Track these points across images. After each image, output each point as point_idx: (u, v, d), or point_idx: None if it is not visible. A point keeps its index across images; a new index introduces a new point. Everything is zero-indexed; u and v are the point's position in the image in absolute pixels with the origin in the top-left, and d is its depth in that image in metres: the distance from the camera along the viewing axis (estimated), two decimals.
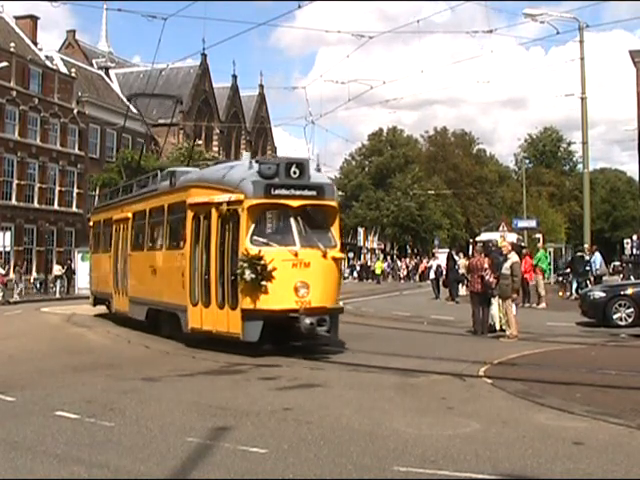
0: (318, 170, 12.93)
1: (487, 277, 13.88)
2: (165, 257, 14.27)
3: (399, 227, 72.64)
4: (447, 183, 75.86)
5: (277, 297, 11.16)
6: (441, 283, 27.54)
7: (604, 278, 23.42)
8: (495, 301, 14.13)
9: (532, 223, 44.35)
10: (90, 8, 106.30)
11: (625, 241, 48.33)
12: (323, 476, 5.16)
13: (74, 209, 42.65)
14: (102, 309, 19.81)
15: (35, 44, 43.47)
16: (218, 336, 11.88)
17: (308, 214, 11.98)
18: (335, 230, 12.27)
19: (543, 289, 22.42)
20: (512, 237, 32.77)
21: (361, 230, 69.93)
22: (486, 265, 14.10)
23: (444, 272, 27.35)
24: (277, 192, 11.50)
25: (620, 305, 15.54)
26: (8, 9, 43.40)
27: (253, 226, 11.53)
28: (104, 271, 19.11)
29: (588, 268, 22.97)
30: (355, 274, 57.23)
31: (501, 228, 38.22)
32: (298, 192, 11.61)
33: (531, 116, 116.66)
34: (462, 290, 25.27)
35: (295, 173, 11.61)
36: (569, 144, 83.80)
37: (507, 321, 13.60)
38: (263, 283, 11.09)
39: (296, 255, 11.27)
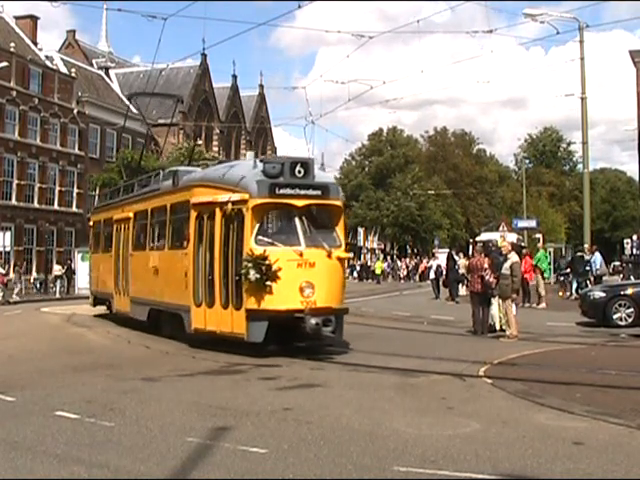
0: (322, 169, 12.91)
1: (487, 277, 13.88)
2: (168, 257, 14.17)
3: (399, 227, 72.66)
4: (447, 183, 75.88)
5: (282, 297, 11.10)
6: (441, 283, 27.54)
7: (604, 278, 23.41)
8: (495, 301, 14.13)
9: (532, 223, 44.34)
10: (90, 8, 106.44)
11: (625, 241, 48.36)
12: (323, 476, 5.16)
13: (74, 209, 42.66)
14: (102, 309, 19.80)
15: (35, 44, 43.47)
16: (222, 337, 11.82)
17: (313, 214, 11.93)
18: (340, 230, 12.21)
19: (543, 289, 22.42)
20: (512, 237, 32.78)
21: (361, 230, 69.94)
22: (486, 265, 14.09)
23: (444, 272, 27.35)
24: (282, 192, 11.44)
25: (620, 305, 15.54)
26: (8, 9, 43.51)
27: (258, 226, 11.48)
28: (104, 271, 19.07)
29: (588, 268, 22.97)
30: (355, 274, 57.21)
31: (501, 228, 38.23)
32: (303, 192, 11.55)
33: (531, 116, 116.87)
34: (462, 290, 25.27)
35: (300, 172, 11.55)
36: (569, 144, 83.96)
37: (507, 321, 13.60)
38: (268, 283, 11.03)
39: (301, 255, 11.22)
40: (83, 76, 46.60)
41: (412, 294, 33.71)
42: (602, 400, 7.57)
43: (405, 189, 71.94)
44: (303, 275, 11.19)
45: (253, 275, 10.97)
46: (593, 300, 16.01)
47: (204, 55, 53.21)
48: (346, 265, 13.43)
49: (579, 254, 25.75)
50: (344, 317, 12.03)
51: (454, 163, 79.32)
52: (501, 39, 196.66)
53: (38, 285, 36.53)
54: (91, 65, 52.42)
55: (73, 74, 43.54)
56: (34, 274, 38.44)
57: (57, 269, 34.87)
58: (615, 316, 15.44)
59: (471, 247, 31.22)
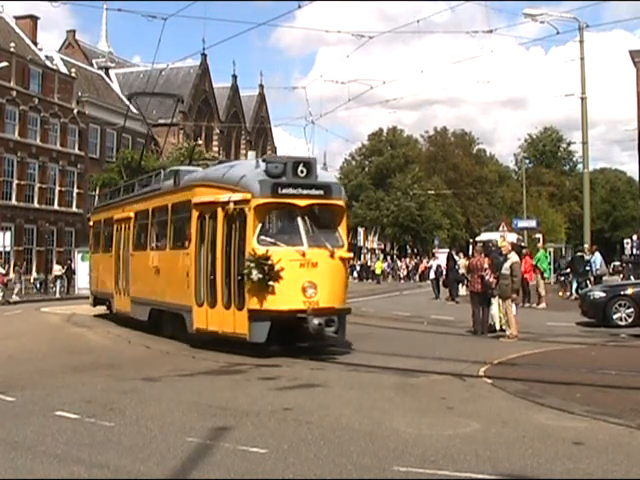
0: (325, 169, 12.89)
1: (487, 277, 13.88)
2: (169, 257, 14.13)
3: (399, 227, 72.69)
4: (447, 183, 75.89)
5: (285, 297, 11.06)
6: (441, 283, 27.54)
7: (604, 278, 23.41)
8: (495, 301, 14.13)
9: (532, 223, 44.35)
10: (90, 8, 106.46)
11: (625, 241, 48.36)
12: (323, 476, 5.16)
13: (74, 209, 42.66)
14: (102, 309, 19.80)
15: (35, 44, 43.47)
16: (224, 337, 11.79)
17: (315, 213, 11.89)
18: (342, 230, 12.17)
19: (543, 289, 22.42)
20: (512, 237, 32.78)
21: (361, 230, 69.93)
22: (486, 265, 14.09)
23: (444, 272, 27.35)
24: (284, 191, 11.39)
25: (620, 305, 15.54)
26: (8, 9, 43.51)
27: (260, 226, 11.43)
28: (105, 271, 19.04)
29: (588, 268, 22.97)
30: (355, 274, 57.22)
31: (501, 228, 38.24)
32: (305, 191, 11.51)
33: (531, 116, 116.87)
34: (462, 290, 25.27)
35: (302, 172, 11.51)
36: (569, 144, 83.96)
37: (507, 321, 13.60)
38: (270, 283, 10.99)
39: (304, 255, 11.18)
40: (83, 76, 46.61)
41: (412, 294, 33.71)
42: (602, 400, 7.57)
43: (405, 189, 71.96)
44: (306, 275, 11.15)
45: (256, 275, 10.93)
46: (593, 300, 16.01)
47: (204, 55, 53.30)
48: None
49: (579, 254, 25.75)
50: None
51: (454, 163, 79.34)
52: (501, 39, 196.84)
53: (38, 285, 36.54)
54: (91, 65, 52.42)
55: (73, 74, 43.54)
56: (34, 274, 38.45)
57: (57, 269, 34.88)
58: (615, 316, 15.44)
59: (471, 247, 31.22)
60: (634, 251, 40.98)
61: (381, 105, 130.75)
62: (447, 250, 37.14)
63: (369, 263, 62.06)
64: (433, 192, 70.68)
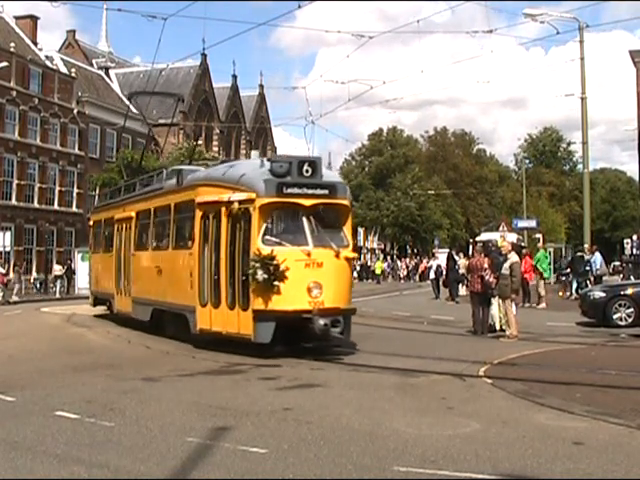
0: (329, 169, 12.79)
1: (487, 277, 13.88)
2: (172, 257, 14.03)
3: (399, 227, 72.68)
4: (447, 183, 75.90)
5: (290, 298, 10.99)
6: (441, 283, 27.54)
7: (604, 278, 23.42)
8: (495, 301, 14.13)
9: (532, 223, 44.35)
10: (90, 8, 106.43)
11: (625, 241, 48.33)
12: (323, 476, 5.16)
13: (74, 209, 42.66)
14: (102, 309, 19.80)
15: (35, 44, 43.47)
16: (228, 337, 11.71)
17: (320, 213, 11.77)
18: (347, 229, 12.12)
19: (543, 289, 22.43)
20: (512, 237, 32.78)
21: (361, 230, 69.91)
22: (486, 265, 14.09)
23: (444, 272, 27.36)
24: (289, 191, 11.32)
25: (620, 305, 15.54)
26: (8, 9, 43.50)
27: (265, 225, 11.36)
28: (105, 271, 18.98)
29: (588, 268, 22.98)
30: (355, 274, 57.22)
31: (501, 228, 38.24)
32: (310, 191, 11.43)
33: (531, 116, 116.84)
34: (462, 290, 25.27)
35: (307, 172, 11.43)
36: (569, 144, 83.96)
37: (507, 321, 13.60)
38: (276, 283, 10.91)
39: (309, 255, 11.11)
40: (83, 76, 46.61)
41: (412, 294, 33.72)
42: (602, 400, 7.57)
43: (405, 189, 71.96)
44: (311, 275, 11.08)
45: (261, 275, 10.86)
46: (593, 300, 16.01)
47: (204, 55, 53.24)
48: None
49: (579, 254, 25.75)
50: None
51: (454, 163, 79.34)
52: (501, 39, 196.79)
53: (38, 285, 36.53)
54: (91, 65, 52.42)
55: (73, 74, 43.55)
56: (34, 274, 38.45)
57: (57, 269, 34.85)
58: (615, 316, 15.45)
59: (471, 247, 31.21)
60: (634, 251, 40.97)
61: (381, 105, 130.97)
62: (447, 250, 37.15)
63: (369, 263, 62.05)
64: (433, 192, 70.67)
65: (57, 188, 41.36)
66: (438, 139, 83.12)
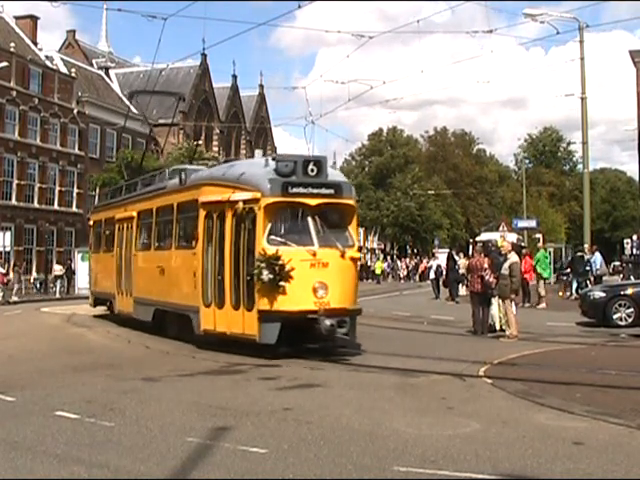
0: (333, 168, 12.67)
1: (487, 277, 13.88)
2: (175, 257, 13.93)
3: (399, 227, 72.69)
4: (447, 183, 75.90)
5: (295, 298, 10.91)
6: (441, 283, 27.54)
7: (604, 278, 23.42)
8: (495, 301, 14.13)
9: (532, 223, 44.34)
10: (90, 8, 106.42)
11: (625, 241, 48.31)
12: (323, 476, 5.16)
13: (74, 209, 42.66)
14: (102, 309, 19.79)
15: (35, 44, 43.48)
16: (232, 338, 11.63)
17: (326, 213, 11.67)
18: (353, 229, 12.05)
19: (543, 289, 22.43)
20: (512, 237, 32.77)
21: (361, 230, 69.85)
22: (486, 265, 14.10)
23: (444, 272, 27.36)
24: (295, 190, 11.24)
25: (620, 305, 15.54)
26: (8, 9, 43.51)
27: (270, 225, 11.27)
28: (106, 271, 18.89)
29: (588, 268, 22.98)
30: None
31: (501, 228, 38.24)
32: (316, 190, 11.35)
33: (531, 116, 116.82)
34: (462, 290, 25.27)
35: (313, 171, 11.35)
36: (569, 144, 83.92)
37: (507, 321, 13.60)
38: (281, 284, 10.82)
39: (314, 255, 11.02)
40: (83, 76, 46.61)
41: (412, 294, 33.73)
42: (602, 400, 7.57)
43: (405, 189, 71.97)
44: (316, 275, 11.00)
45: (266, 275, 10.78)
46: (593, 300, 16.01)
47: (204, 55, 53.21)
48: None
49: (579, 254, 25.75)
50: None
51: (454, 163, 79.35)
52: (501, 39, 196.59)
53: (38, 285, 36.53)
54: (91, 65, 52.43)
55: (73, 74, 43.55)
56: (34, 274, 38.45)
57: (58, 269, 34.84)
58: (615, 316, 15.45)
59: (471, 247, 31.20)
60: (634, 251, 40.94)
61: (381, 105, 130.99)
62: (447, 250, 37.14)
63: (369, 263, 62.05)
64: (433, 192, 70.66)
65: (57, 188, 41.37)
66: (438, 139, 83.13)
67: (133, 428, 6.62)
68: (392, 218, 72.13)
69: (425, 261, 49.10)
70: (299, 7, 17.49)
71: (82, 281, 30.22)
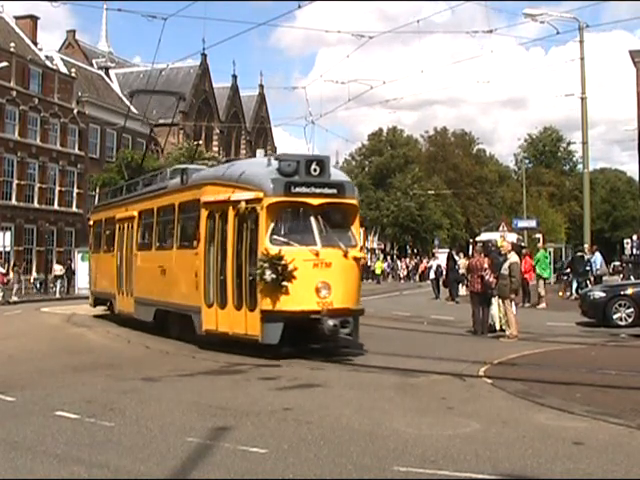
0: (336, 168, 12.59)
1: (487, 277, 13.88)
2: (176, 257, 13.88)
3: (399, 227, 72.69)
4: (447, 183, 75.89)
5: (298, 298, 10.87)
6: (441, 283, 27.54)
7: (604, 278, 23.42)
8: (495, 301, 14.13)
9: (532, 223, 44.34)
10: (90, 8, 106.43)
11: (625, 241, 48.29)
12: (323, 476, 5.16)
13: (74, 209, 42.67)
14: (102, 309, 19.78)
15: (35, 44, 43.48)
16: (234, 338, 11.59)
17: (328, 213, 11.63)
18: (355, 229, 12.02)
19: (543, 289, 22.43)
20: (512, 237, 32.77)
21: (361, 230, 69.78)
22: (486, 265, 14.10)
23: (444, 272, 27.36)
24: (297, 190, 11.20)
25: (620, 305, 15.55)
26: (8, 9, 43.52)
27: (272, 225, 11.22)
28: (106, 271, 18.85)
29: (588, 268, 22.98)
30: None
31: (501, 228, 38.24)
32: (319, 190, 11.30)
33: (531, 116, 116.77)
34: (462, 290, 25.27)
35: (315, 171, 11.29)
36: (569, 144, 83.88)
37: (507, 321, 13.60)
38: (284, 284, 10.79)
39: (317, 255, 10.98)
40: (83, 76, 46.62)
41: (412, 294, 33.73)
42: (602, 400, 7.57)
43: (405, 189, 71.96)
44: (319, 275, 10.96)
45: (269, 275, 10.74)
46: (593, 300, 16.01)
47: (204, 55, 53.24)
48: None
49: (579, 254, 25.76)
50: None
51: (454, 163, 79.34)
52: (501, 39, 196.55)
53: (38, 285, 36.52)
54: (91, 65, 52.45)
55: (73, 74, 43.56)
56: (34, 274, 38.45)
57: (58, 269, 34.82)
58: (615, 316, 15.45)
59: (471, 247, 31.20)
60: (634, 251, 40.93)
61: (381, 105, 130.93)
62: (447, 250, 37.14)
63: (369, 263, 62.02)
64: (433, 192, 70.66)
65: (57, 188, 41.38)
66: (438, 139, 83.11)
67: (133, 428, 6.62)
68: (392, 218, 72.13)
69: (425, 261, 49.11)
70: (299, 7, 17.51)
71: (82, 281, 30.22)
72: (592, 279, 22.35)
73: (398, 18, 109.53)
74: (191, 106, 54.40)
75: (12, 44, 38.20)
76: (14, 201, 38.11)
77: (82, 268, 30.45)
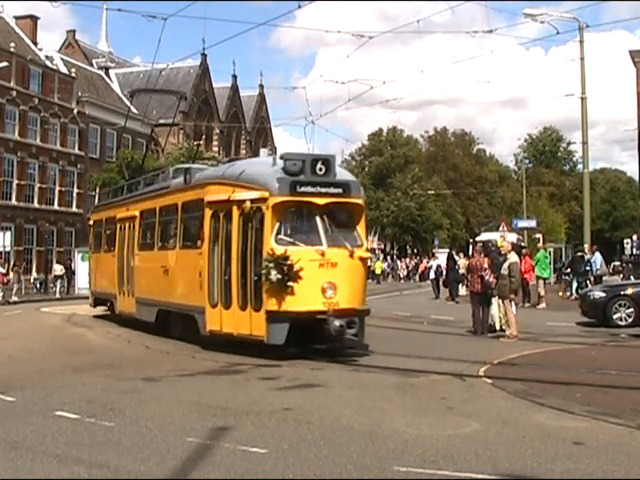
0: (341, 167, 12.50)
1: (487, 277, 13.88)
2: (179, 257, 13.80)
3: (399, 227, 72.64)
4: (447, 183, 75.86)
5: (304, 298, 10.80)
6: (441, 283, 27.54)
7: (604, 278, 23.43)
8: (495, 301, 14.13)
9: (532, 223, 44.36)
10: (90, 8, 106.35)
11: (625, 241, 48.27)
12: (323, 476, 5.16)
13: (74, 209, 42.69)
14: (102, 309, 19.78)
15: (35, 44, 43.49)
16: (239, 339, 11.51)
17: (334, 212, 11.54)
18: (361, 229, 11.93)
19: (543, 289, 22.43)
20: (512, 237, 32.78)
21: None
22: (486, 265, 14.10)
23: (444, 272, 27.36)
24: (303, 189, 11.11)
25: (620, 305, 15.55)
26: (8, 9, 43.54)
27: (278, 225, 11.14)
28: (106, 271, 18.76)
29: (588, 268, 22.99)
30: None
31: (501, 228, 38.24)
32: (324, 189, 11.22)
33: (531, 116, 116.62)
34: (462, 290, 25.27)
35: (321, 170, 11.21)
36: (569, 144, 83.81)
37: (507, 321, 13.60)
38: (289, 284, 10.70)
39: (323, 255, 10.91)
40: (83, 76, 46.62)
41: (412, 294, 33.72)
42: (602, 400, 7.57)
43: (405, 189, 71.93)
44: (325, 275, 10.89)
45: (274, 275, 10.67)
46: (593, 300, 16.01)
47: (204, 55, 53.25)
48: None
49: (579, 254, 25.76)
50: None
51: (454, 163, 79.30)
52: (501, 39, 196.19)
53: (38, 285, 36.52)
54: (91, 65, 52.46)
55: (73, 74, 43.57)
56: (34, 274, 38.45)
57: (58, 269, 34.80)
58: (615, 316, 15.45)
59: (471, 247, 31.20)
60: (634, 251, 40.90)
61: (381, 105, 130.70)
62: (447, 250, 37.14)
63: (369, 263, 61.98)
64: (433, 192, 70.65)
65: (57, 188, 41.39)
66: (438, 139, 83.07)
67: (133, 428, 6.62)
68: (392, 218, 72.09)
69: (425, 261, 49.15)
70: (299, 7, 17.50)
71: (82, 281, 30.20)
72: (592, 279, 22.35)
73: (398, 18, 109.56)
74: (191, 106, 54.39)
75: (12, 44, 38.22)
76: (14, 201, 38.13)
77: (82, 268, 30.44)
